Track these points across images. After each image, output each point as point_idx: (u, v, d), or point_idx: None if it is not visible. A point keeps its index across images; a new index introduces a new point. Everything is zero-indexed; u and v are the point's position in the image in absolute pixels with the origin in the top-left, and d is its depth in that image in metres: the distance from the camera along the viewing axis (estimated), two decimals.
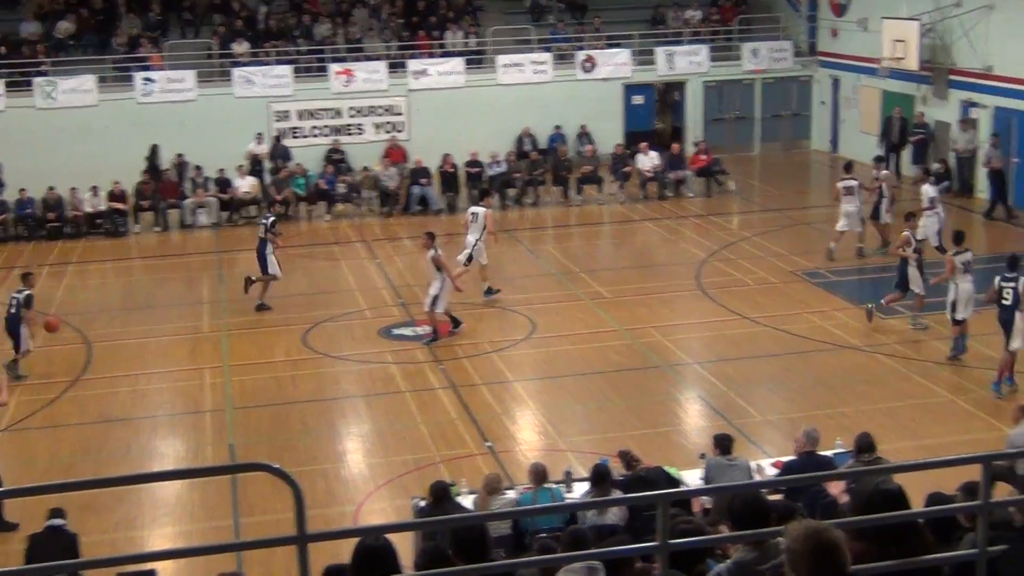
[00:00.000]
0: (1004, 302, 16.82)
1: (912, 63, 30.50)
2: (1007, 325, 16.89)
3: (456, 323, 20.53)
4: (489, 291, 22.38)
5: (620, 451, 12.73)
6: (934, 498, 8.83)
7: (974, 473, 7.43)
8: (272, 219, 23.15)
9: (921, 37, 30.26)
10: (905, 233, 19.94)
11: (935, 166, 27.00)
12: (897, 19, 31.15)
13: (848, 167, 25.18)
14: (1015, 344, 16.83)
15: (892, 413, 16.52)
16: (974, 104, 29.49)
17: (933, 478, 9.97)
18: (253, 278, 22.50)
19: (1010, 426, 13.23)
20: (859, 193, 24.12)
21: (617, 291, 22.75)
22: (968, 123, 29.36)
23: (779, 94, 36.46)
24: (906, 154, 31.37)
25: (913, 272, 19.63)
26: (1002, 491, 11.36)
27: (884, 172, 25.35)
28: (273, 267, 22.40)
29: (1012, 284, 16.75)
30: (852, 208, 24.08)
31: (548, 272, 24.38)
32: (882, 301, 20.21)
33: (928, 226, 22.27)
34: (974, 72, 29.19)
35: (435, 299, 20.05)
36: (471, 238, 22.25)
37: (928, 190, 23.13)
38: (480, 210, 22.46)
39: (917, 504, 7.05)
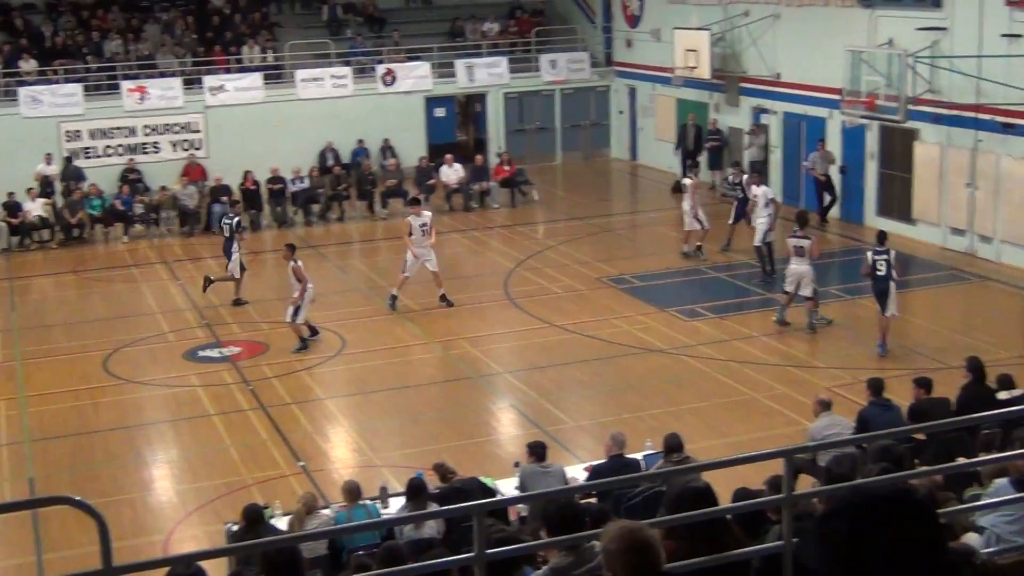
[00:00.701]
0: (878, 273, 18.33)
1: (704, 72, 31.41)
2: (882, 295, 18.37)
3: (314, 331, 20.60)
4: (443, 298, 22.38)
5: (435, 464, 12.70)
6: (740, 493, 9.07)
7: (777, 467, 7.65)
8: (236, 219, 23.41)
9: (712, 46, 31.21)
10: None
11: (729, 171, 27.72)
12: (688, 29, 32.06)
13: (691, 167, 26.69)
14: (890, 310, 18.36)
15: (698, 413, 16.90)
16: (764, 110, 30.53)
17: (739, 474, 10.27)
18: (212, 278, 23.12)
19: (810, 420, 13.70)
20: (692, 193, 24.82)
21: (427, 304, 22.70)
22: (759, 128, 30.38)
23: (578, 104, 37.05)
24: (703, 160, 32.28)
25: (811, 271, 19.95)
26: (805, 483, 11.76)
27: (745, 176, 25.82)
28: (233, 266, 22.69)
29: (884, 257, 18.30)
30: (686, 207, 24.88)
31: (356, 287, 24.20)
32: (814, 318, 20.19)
33: (759, 225, 22.88)
34: (763, 79, 30.23)
35: (296, 310, 20.06)
36: (421, 251, 22.11)
37: (767, 191, 23.54)
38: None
39: (725, 500, 7.21)
